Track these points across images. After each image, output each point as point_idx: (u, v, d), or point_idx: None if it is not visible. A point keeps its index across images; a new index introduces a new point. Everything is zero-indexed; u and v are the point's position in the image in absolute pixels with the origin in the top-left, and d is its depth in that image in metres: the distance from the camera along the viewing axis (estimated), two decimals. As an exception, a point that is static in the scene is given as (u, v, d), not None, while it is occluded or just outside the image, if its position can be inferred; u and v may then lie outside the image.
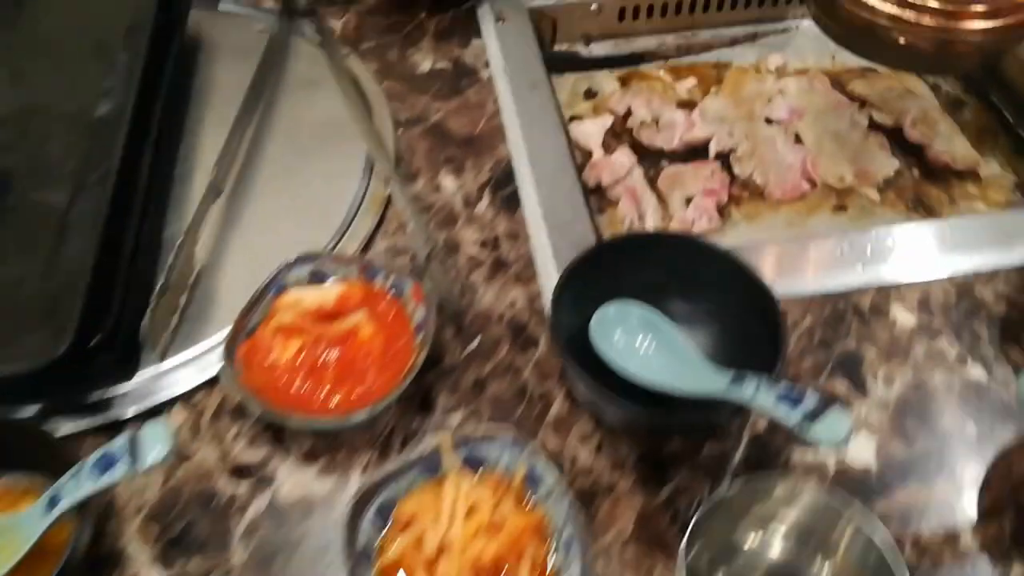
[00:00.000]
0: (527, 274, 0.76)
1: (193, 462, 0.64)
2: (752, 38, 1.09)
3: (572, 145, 0.97)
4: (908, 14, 0.72)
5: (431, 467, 0.60)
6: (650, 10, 1.06)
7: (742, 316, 0.66)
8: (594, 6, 1.04)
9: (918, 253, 0.77)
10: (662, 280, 0.68)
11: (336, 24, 1.01)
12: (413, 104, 0.92)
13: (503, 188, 0.83)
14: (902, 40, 0.73)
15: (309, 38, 0.99)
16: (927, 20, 0.71)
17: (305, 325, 0.67)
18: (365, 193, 0.82)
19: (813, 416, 0.52)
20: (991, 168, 0.96)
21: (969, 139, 0.98)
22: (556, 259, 0.76)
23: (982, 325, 0.72)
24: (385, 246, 0.78)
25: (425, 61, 0.96)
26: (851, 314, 0.73)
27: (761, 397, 0.55)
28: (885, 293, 0.74)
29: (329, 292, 0.69)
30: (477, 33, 0.99)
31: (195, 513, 0.61)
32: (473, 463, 0.61)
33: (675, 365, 0.64)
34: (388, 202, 0.81)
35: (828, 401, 0.53)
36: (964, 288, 0.75)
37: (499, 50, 0.96)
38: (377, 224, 0.80)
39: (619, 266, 0.68)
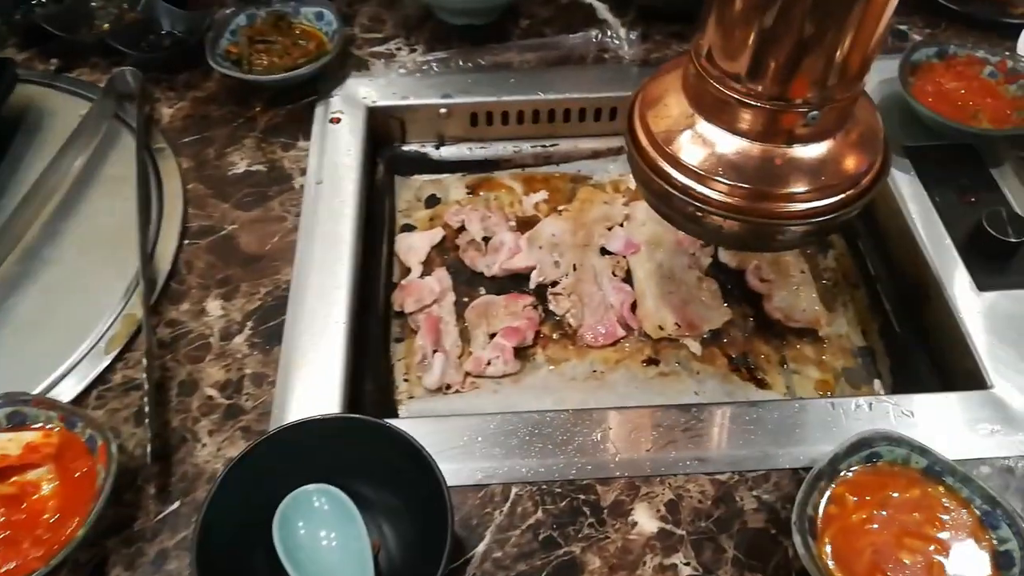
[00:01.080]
0: (258, 427, 0.71)
1: None
2: (617, 152, 1.02)
3: (393, 259, 0.91)
4: (708, 191, 0.62)
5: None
6: (504, 116, 1.00)
7: (424, 512, 0.59)
8: (443, 110, 0.98)
9: (688, 443, 0.69)
10: (356, 469, 0.62)
11: (167, 112, 0.97)
12: (211, 212, 0.87)
13: (269, 320, 0.78)
14: (700, 215, 0.65)
15: (133, 126, 0.95)
16: (733, 199, 0.62)
17: (-27, 480, 0.63)
18: (120, 314, 0.77)
19: None
20: (837, 326, 0.87)
21: (821, 290, 0.90)
22: (291, 412, 0.71)
23: (730, 540, 0.64)
24: (121, 378, 0.74)
25: (242, 162, 0.92)
26: (588, 511, 0.66)
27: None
28: (634, 489, 0.67)
29: (12, 442, 0.65)
30: (307, 133, 0.94)
31: None
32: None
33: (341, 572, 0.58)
34: (140, 327, 0.76)
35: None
36: (726, 490, 0.67)
37: (319, 155, 0.91)
38: (123, 350, 0.75)
39: (306, 452, 0.62)
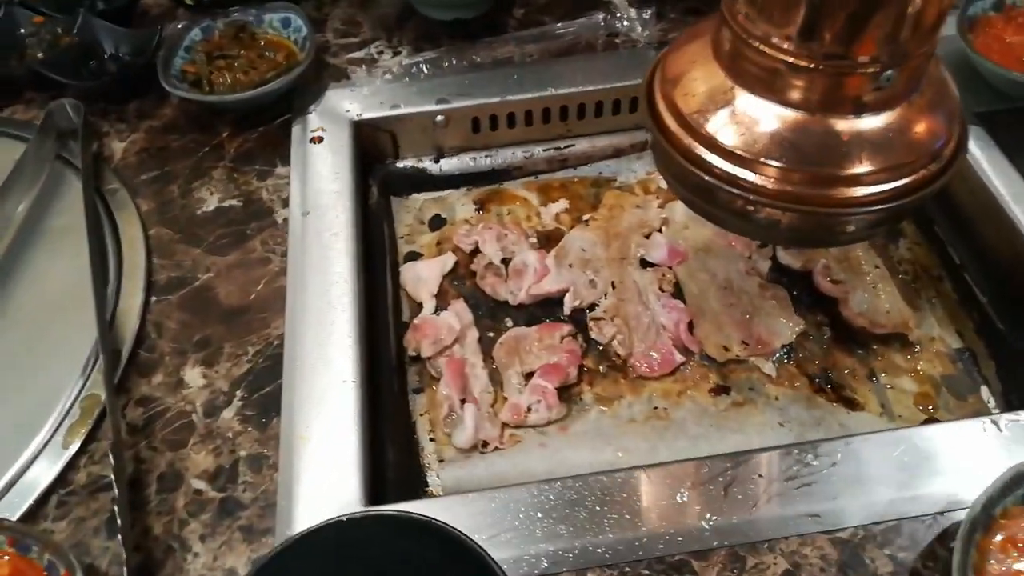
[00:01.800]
0: (261, 525, 0.57)
1: None
2: (642, 148, 0.89)
3: (400, 294, 0.78)
4: (759, 178, 0.51)
5: None
6: (511, 119, 0.86)
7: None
8: (439, 118, 0.85)
9: (794, 495, 0.56)
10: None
11: (119, 147, 0.83)
12: (181, 260, 0.73)
13: (263, 386, 0.64)
14: (752, 209, 0.53)
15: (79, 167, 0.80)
16: (792, 187, 0.51)
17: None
18: (79, 396, 0.63)
19: None
20: (927, 327, 0.75)
21: (900, 286, 0.77)
22: (300, 501, 0.57)
23: (870, 617, 0.51)
24: (85, 477, 0.60)
25: (212, 197, 0.78)
26: (687, 596, 0.52)
27: None
28: (739, 561, 0.54)
29: (-50, 581, 0.51)
30: (285, 158, 0.80)
31: None
32: None
33: None
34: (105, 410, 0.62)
35: None
36: (851, 552, 0.54)
37: (302, 182, 0.77)
38: (86, 441, 0.61)
39: (326, 566, 0.48)
